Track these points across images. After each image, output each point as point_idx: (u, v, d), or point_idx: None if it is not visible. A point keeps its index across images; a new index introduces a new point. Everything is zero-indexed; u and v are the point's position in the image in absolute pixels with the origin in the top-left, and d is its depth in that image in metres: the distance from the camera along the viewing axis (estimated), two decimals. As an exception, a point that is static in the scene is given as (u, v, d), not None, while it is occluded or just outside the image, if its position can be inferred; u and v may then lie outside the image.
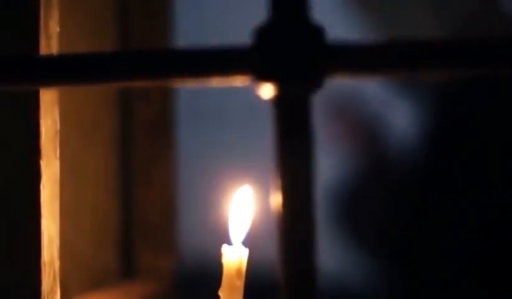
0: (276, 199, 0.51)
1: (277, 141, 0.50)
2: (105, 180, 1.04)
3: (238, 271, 0.79)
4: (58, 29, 0.78)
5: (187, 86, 0.57)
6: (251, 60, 0.51)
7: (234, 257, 0.79)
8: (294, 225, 0.51)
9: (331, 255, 1.70)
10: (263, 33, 0.50)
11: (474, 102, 1.64)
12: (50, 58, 0.67)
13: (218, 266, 0.80)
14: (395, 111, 1.73)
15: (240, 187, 0.82)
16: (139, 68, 0.54)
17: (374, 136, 1.78)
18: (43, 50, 0.74)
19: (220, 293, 0.80)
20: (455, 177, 1.65)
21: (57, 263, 0.78)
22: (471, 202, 1.63)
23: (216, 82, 0.52)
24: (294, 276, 0.51)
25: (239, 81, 0.51)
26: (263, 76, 0.50)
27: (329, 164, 1.67)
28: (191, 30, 1.35)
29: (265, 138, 0.58)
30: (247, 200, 0.82)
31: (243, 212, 0.82)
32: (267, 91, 0.50)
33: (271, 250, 0.56)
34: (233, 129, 1.83)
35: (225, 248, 0.80)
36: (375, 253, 1.76)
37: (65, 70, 0.56)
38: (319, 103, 0.51)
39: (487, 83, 1.54)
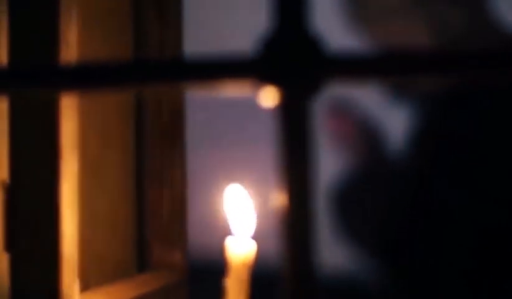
0: (278, 198, 0.52)
1: (279, 144, 0.51)
2: (121, 180, 1.05)
3: (245, 263, 0.80)
4: (76, 38, 0.79)
5: (196, 93, 0.58)
6: (255, 67, 0.52)
7: (241, 250, 0.80)
8: (296, 225, 0.52)
9: (332, 251, 1.70)
10: (265, 42, 0.51)
11: (471, 104, 1.63)
12: (68, 67, 0.68)
13: (225, 258, 0.80)
14: (393, 110, 1.72)
15: (230, 186, 0.82)
16: (151, 75, 0.55)
17: (370, 135, 1.77)
18: (63, 57, 0.75)
19: (227, 284, 0.80)
20: (451, 177, 1.64)
21: (76, 258, 0.78)
22: (467, 200, 1.62)
23: (222, 88, 0.53)
24: (296, 270, 0.52)
25: (243, 86, 0.52)
26: (265, 81, 0.51)
27: (326, 164, 1.67)
28: (199, 36, 1.36)
29: (267, 139, 0.59)
30: (239, 197, 0.82)
31: (238, 207, 0.82)
32: (268, 97, 0.51)
33: (272, 243, 0.57)
34: (235, 130, 1.83)
35: (231, 241, 0.80)
36: (371, 250, 1.75)
37: (82, 78, 0.57)
38: (320, 102, 0.52)
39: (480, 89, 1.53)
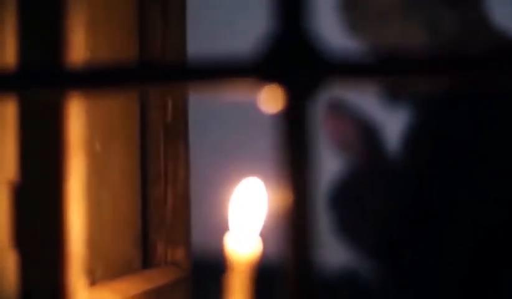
0: (279, 197, 0.52)
1: (280, 144, 0.52)
2: (125, 179, 1.06)
3: (249, 262, 0.79)
4: (83, 39, 0.79)
5: (199, 94, 0.58)
6: (256, 67, 0.52)
7: (245, 249, 0.79)
8: (296, 223, 0.52)
9: (332, 250, 1.69)
10: (267, 43, 0.52)
11: (468, 105, 1.62)
12: (75, 69, 0.68)
13: (227, 255, 0.80)
14: (391, 111, 1.71)
15: (247, 180, 0.81)
16: (154, 77, 0.55)
17: (367, 134, 1.76)
18: (69, 59, 0.76)
19: (230, 284, 0.80)
20: (450, 177, 1.63)
21: (82, 255, 0.79)
22: (467, 200, 1.61)
23: (225, 88, 0.53)
24: (296, 268, 0.52)
25: (245, 85, 0.53)
26: (266, 81, 0.52)
27: (326, 163, 1.66)
28: (202, 37, 1.36)
29: (269, 138, 0.59)
30: (255, 192, 0.81)
31: (251, 203, 0.80)
32: (269, 98, 0.52)
33: (272, 240, 0.57)
34: (236, 131, 1.83)
35: (234, 239, 0.80)
36: (370, 251, 1.74)
37: (89, 80, 0.57)
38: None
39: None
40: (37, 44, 0.75)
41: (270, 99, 0.52)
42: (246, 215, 0.81)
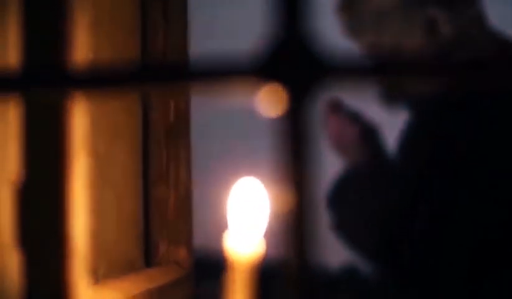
0: (281, 197, 0.52)
1: (280, 143, 0.52)
2: (128, 179, 1.06)
3: (251, 263, 0.79)
4: (86, 40, 0.80)
5: (202, 94, 0.58)
6: (257, 67, 0.53)
7: (246, 248, 0.79)
8: (297, 221, 0.52)
9: (333, 248, 1.69)
10: (267, 43, 0.52)
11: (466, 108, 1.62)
12: (79, 70, 0.68)
13: (228, 255, 0.80)
14: (391, 111, 1.71)
15: (243, 179, 0.80)
16: (157, 77, 0.55)
17: (366, 133, 1.75)
18: (73, 59, 0.76)
19: (230, 284, 0.80)
20: (450, 178, 1.63)
21: (85, 253, 0.79)
22: (467, 200, 1.61)
23: (226, 87, 0.54)
24: (297, 266, 0.52)
25: (246, 85, 0.53)
26: (266, 80, 0.52)
27: (326, 163, 1.65)
28: (202, 37, 1.37)
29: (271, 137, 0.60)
30: (253, 191, 0.80)
31: (249, 203, 0.80)
32: (269, 98, 0.52)
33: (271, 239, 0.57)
34: (237, 131, 1.84)
35: (232, 237, 0.79)
36: (370, 251, 1.74)
37: (90, 81, 0.57)
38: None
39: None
40: (39, 45, 0.75)
41: (269, 101, 0.52)
42: (246, 215, 0.80)
